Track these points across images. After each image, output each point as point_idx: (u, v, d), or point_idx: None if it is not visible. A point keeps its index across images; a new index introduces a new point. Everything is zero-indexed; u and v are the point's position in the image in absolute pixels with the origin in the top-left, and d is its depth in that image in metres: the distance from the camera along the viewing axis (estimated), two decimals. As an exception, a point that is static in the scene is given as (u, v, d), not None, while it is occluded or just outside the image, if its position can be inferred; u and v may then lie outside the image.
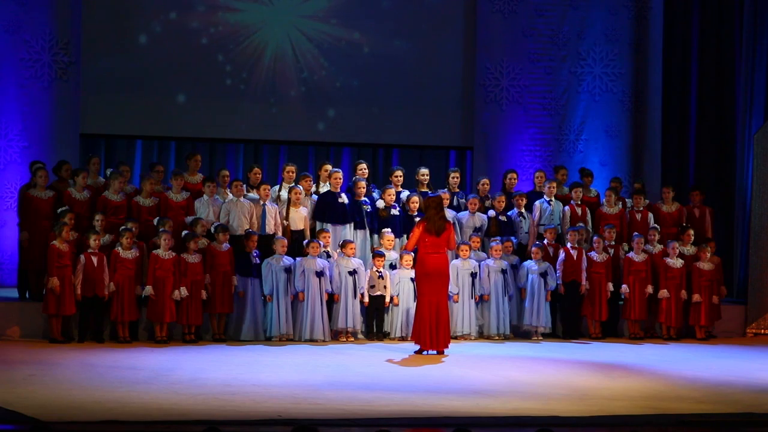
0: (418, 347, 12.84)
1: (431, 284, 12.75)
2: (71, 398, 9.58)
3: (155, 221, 13.54)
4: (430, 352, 12.74)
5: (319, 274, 13.51)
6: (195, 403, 9.42)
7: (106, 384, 10.28)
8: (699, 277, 14.61)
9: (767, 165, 15.43)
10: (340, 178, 14.33)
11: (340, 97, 16.81)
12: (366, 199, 14.45)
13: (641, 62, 17.32)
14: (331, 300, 13.69)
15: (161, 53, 16.30)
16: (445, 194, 14.18)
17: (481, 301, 14.17)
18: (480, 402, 9.83)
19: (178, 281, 13.13)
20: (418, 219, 13.98)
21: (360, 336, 13.84)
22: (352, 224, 14.32)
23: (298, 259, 13.61)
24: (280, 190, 14.37)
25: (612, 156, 17.29)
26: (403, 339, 13.76)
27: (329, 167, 14.70)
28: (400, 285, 13.85)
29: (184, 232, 13.45)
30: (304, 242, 13.80)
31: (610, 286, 14.45)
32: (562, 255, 14.38)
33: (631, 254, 14.60)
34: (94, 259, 12.96)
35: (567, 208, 15.00)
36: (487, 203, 14.96)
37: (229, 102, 16.53)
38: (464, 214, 14.62)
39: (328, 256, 13.80)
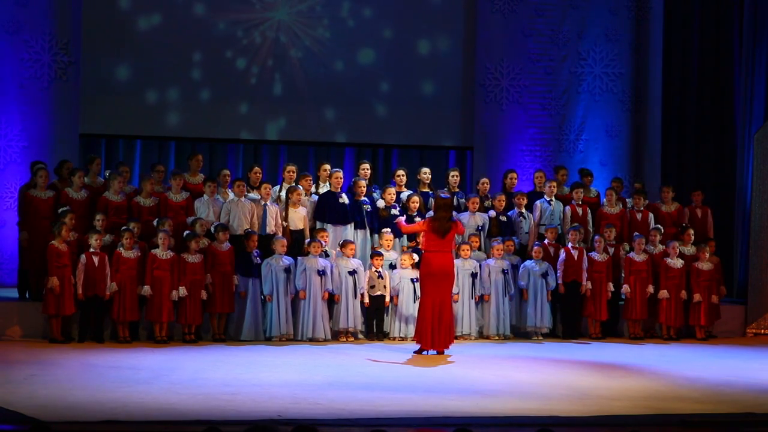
0: (418, 347, 12.84)
1: (435, 284, 12.72)
2: (71, 398, 9.58)
3: (155, 222, 13.55)
4: (430, 352, 12.74)
5: (321, 273, 13.51)
6: (195, 403, 9.42)
7: (106, 384, 10.28)
8: (698, 277, 14.62)
9: (767, 165, 15.44)
10: (340, 178, 14.34)
11: (340, 97, 16.81)
12: (366, 198, 14.45)
13: (641, 62, 17.32)
14: (332, 299, 13.69)
15: (161, 53, 16.30)
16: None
17: (481, 301, 14.18)
18: (480, 402, 9.83)
19: (177, 281, 13.13)
20: (417, 219, 13.99)
21: (360, 336, 13.84)
22: (353, 224, 14.32)
23: (299, 258, 13.62)
24: (280, 190, 14.37)
25: (612, 156, 17.29)
26: (402, 339, 13.77)
27: (328, 167, 14.71)
28: (400, 285, 13.85)
29: (185, 233, 13.45)
30: (306, 242, 13.80)
31: (611, 286, 14.46)
32: (562, 255, 14.38)
33: (631, 254, 14.60)
34: (95, 259, 12.96)
35: (568, 208, 15.00)
36: (487, 203, 14.96)
37: (230, 102, 16.53)
38: (464, 214, 14.61)
39: (327, 255, 13.80)
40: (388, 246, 14.13)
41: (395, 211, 14.31)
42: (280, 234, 13.86)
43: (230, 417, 8.86)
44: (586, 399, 10.13)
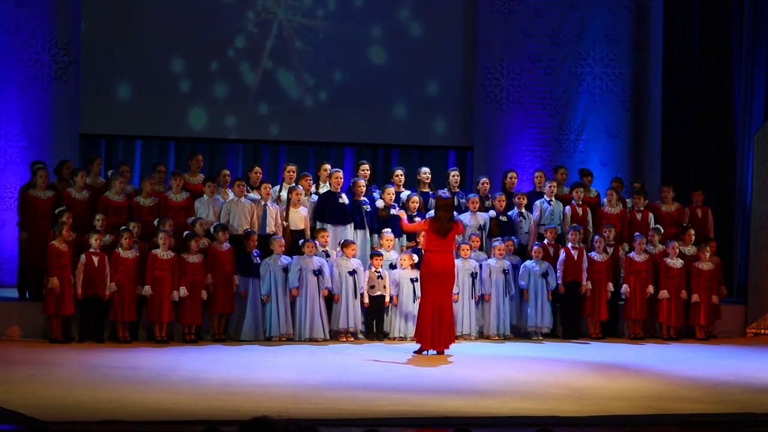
0: (418, 347, 12.84)
1: (436, 284, 12.71)
2: (71, 398, 9.58)
3: (156, 222, 13.55)
4: (430, 352, 12.74)
5: (317, 273, 13.51)
6: (195, 403, 9.42)
7: (106, 384, 10.28)
8: (699, 277, 14.61)
9: (767, 165, 15.43)
10: (340, 178, 14.34)
11: (340, 97, 16.80)
12: (365, 198, 14.45)
13: (641, 62, 17.31)
14: (330, 298, 13.69)
15: (161, 53, 16.29)
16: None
17: (481, 301, 14.17)
18: (480, 402, 9.83)
19: (177, 281, 13.13)
20: (417, 219, 13.99)
21: (360, 336, 13.84)
22: (353, 224, 14.32)
23: (294, 257, 13.60)
24: (280, 190, 14.37)
25: (612, 156, 17.28)
26: (402, 339, 13.77)
27: (328, 167, 14.71)
28: (400, 285, 13.85)
29: (185, 233, 13.45)
30: (300, 242, 13.78)
31: (611, 286, 14.45)
32: (562, 255, 14.38)
33: (632, 254, 14.59)
34: (95, 259, 12.96)
35: (568, 208, 15.00)
36: (487, 203, 14.96)
37: (230, 102, 16.53)
38: (465, 215, 14.60)
39: (327, 255, 13.80)
40: (388, 246, 14.13)
41: (394, 211, 14.30)
42: (279, 234, 13.86)
43: (230, 417, 8.85)
44: (585, 399, 10.13)
